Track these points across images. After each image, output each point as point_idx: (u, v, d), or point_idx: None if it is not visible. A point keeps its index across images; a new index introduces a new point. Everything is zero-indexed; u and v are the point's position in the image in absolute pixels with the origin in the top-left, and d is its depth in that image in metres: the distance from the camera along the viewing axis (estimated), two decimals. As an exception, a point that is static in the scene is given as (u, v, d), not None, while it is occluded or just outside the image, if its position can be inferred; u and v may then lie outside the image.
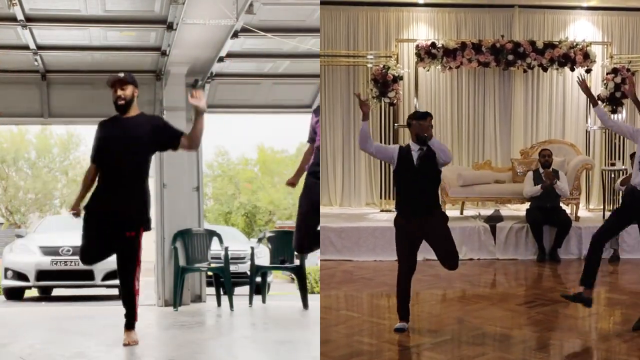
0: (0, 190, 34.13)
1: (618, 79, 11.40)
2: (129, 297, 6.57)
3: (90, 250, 6.46)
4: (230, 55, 9.26)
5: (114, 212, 6.30)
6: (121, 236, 6.35)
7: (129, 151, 6.32)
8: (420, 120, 6.37)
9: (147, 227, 6.57)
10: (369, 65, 11.77)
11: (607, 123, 7.06)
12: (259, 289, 10.88)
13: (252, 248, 10.31)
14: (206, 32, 8.42)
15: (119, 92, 6.42)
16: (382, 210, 11.57)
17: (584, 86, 7.02)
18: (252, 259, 10.16)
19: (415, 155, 6.31)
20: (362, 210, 11.93)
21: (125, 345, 6.32)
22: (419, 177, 6.31)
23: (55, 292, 14.08)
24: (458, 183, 10.80)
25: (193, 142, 6.61)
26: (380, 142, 11.68)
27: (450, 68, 11.55)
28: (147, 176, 6.49)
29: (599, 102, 7.12)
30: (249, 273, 10.70)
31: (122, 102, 6.43)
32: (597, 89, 11.69)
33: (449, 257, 6.35)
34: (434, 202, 6.44)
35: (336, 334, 6.35)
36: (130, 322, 6.49)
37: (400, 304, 6.40)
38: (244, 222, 32.90)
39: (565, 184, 10.20)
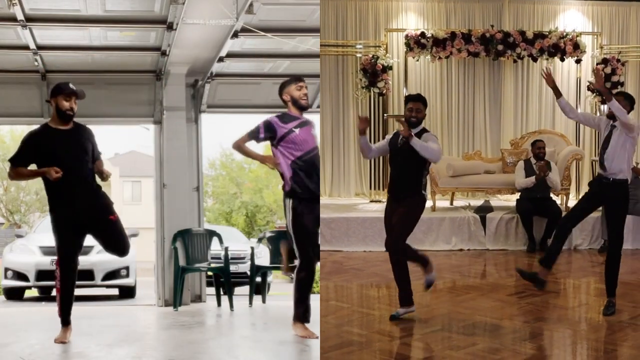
0: (1, 190, 34.06)
1: (608, 70, 11.39)
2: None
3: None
4: (230, 55, 9.22)
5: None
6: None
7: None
8: (409, 104, 6.49)
9: None
10: (358, 55, 11.72)
11: (569, 115, 7.20)
12: (259, 289, 10.86)
13: (252, 248, 10.29)
14: (206, 32, 8.41)
15: (72, 104, 6.55)
16: (371, 201, 11.55)
17: (549, 79, 7.08)
18: (252, 259, 10.14)
19: (400, 138, 6.42)
20: (351, 201, 11.91)
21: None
22: (399, 160, 6.43)
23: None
24: (448, 173, 10.77)
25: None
26: (370, 132, 11.67)
27: (440, 58, 11.52)
28: None
29: (563, 95, 7.13)
30: (249, 273, 10.69)
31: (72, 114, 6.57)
32: (587, 79, 11.68)
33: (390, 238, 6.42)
34: (414, 185, 6.41)
35: (326, 324, 6.33)
36: None
37: (399, 286, 6.55)
38: (244, 222, 32.95)
39: (557, 176, 10.20)
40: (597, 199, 6.96)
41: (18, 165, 6.54)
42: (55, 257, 6.76)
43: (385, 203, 6.65)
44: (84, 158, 6.49)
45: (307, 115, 6.74)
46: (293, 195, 6.42)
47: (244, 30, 8.04)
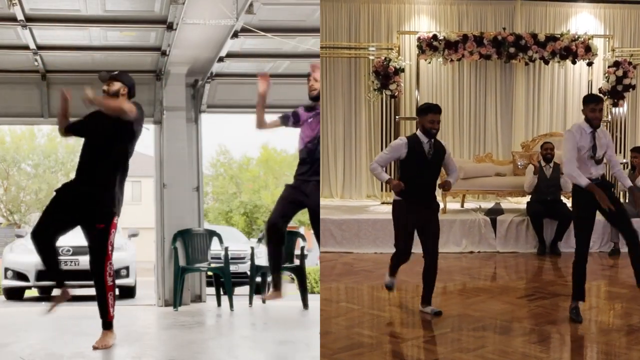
0: (1, 190, 34.15)
1: (620, 72, 11.39)
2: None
3: None
4: (230, 55, 9.25)
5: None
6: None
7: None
8: (429, 115, 6.55)
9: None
10: (371, 57, 11.75)
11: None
12: (259, 289, 10.89)
13: (252, 248, 10.33)
14: (206, 32, 8.44)
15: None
16: (383, 203, 11.58)
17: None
18: (252, 259, 10.18)
19: (426, 147, 6.55)
20: (362, 203, 11.94)
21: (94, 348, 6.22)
22: (429, 168, 6.59)
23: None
24: (459, 176, 10.77)
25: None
26: (382, 134, 11.72)
27: (452, 60, 11.54)
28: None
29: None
30: (249, 273, 10.71)
31: None
32: (599, 82, 11.68)
33: (432, 250, 6.65)
34: (434, 193, 6.70)
35: (336, 326, 6.36)
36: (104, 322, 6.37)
37: (395, 266, 6.91)
38: (244, 222, 32.98)
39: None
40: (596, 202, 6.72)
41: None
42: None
43: (402, 208, 6.63)
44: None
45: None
46: None
47: (244, 30, 8.07)
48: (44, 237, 6.26)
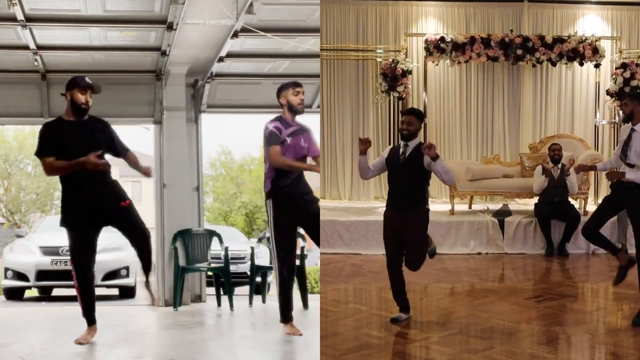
0: (1, 190, 34.19)
1: (627, 74, 11.39)
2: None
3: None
4: (230, 55, 9.26)
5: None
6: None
7: None
8: (405, 116, 6.50)
9: None
10: (378, 60, 11.78)
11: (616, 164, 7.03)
12: (259, 289, 10.90)
13: (252, 248, 10.34)
14: (206, 32, 8.45)
15: (88, 98, 6.47)
16: (390, 204, 11.57)
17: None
18: (252, 259, 10.19)
19: (401, 149, 6.46)
20: (370, 204, 11.95)
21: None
22: (402, 173, 6.43)
23: (55, 292, 14.00)
24: (466, 177, 10.81)
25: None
26: (389, 136, 11.74)
27: (459, 62, 11.56)
28: None
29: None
30: (249, 273, 10.71)
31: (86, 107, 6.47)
32: (606, 84, 11.69)
33: (411, 259, 6.47)
34: (417, 198, 6.43)
35: (344, 327, 6.39)
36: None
37: (394, 294, 6.63)
38: (244, 222, 32.97)
39: (575, 179, 10.18)
40: (619, 202, 6.84)
41: (44, 156, 6.33)
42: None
43: (386, 213, 6.56)
44: (93, 150, 6.29)
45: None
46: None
47: (244, 30, 8.07)
48: None
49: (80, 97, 6.42)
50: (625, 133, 6.72)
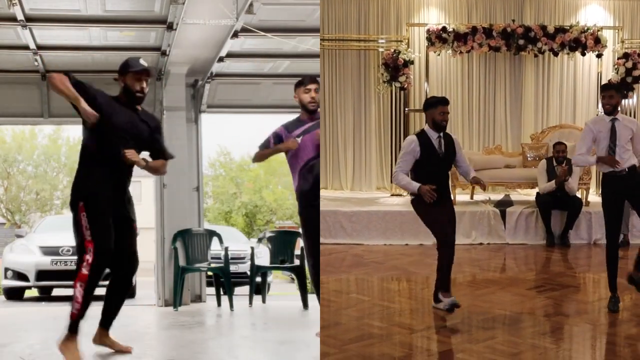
0: (1, 190, 34.22)
1: (629, 64, 11.37)
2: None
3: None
4: (230, 55, 9.28)
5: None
6: None
7: None
8: (439, 107, 6.40)
9: None
10: (380, 50, 11.76)
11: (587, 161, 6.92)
12: (259, 289, 10.92)
13: (252, 248, 10.36)
14: (206, 32, 8.46)
15: (144, 85, 5.85)
16: (392, 195, 11.60)
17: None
18: (252, 259, 10.21)
19: (436, 143, 6.40)
20: (372, 195, 11.97)
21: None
22: (442, 164, 6.47)
23: (55, 292, 14.07)
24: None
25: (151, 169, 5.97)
26: (391, 126, 11.72)
27: (461, 52, 11.54)
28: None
29: None
30: (249, 273, 10.72)
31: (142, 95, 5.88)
32: (608, 74, 11.67)
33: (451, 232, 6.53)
34: (449, 187, 6.73)
35: (346, 317, 6.41)
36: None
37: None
38: (244, 222, 33.04)
39: (575, 182, 10.11)
40: (621, 196, 6.60)
41: (76, 88, 5.68)
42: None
43: (424, 203, 6.34)
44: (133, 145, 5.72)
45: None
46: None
47: (244, 30, 8.08)
48: None
49: (136, 85, 5.80)
50: (604, 127, 6.57)
